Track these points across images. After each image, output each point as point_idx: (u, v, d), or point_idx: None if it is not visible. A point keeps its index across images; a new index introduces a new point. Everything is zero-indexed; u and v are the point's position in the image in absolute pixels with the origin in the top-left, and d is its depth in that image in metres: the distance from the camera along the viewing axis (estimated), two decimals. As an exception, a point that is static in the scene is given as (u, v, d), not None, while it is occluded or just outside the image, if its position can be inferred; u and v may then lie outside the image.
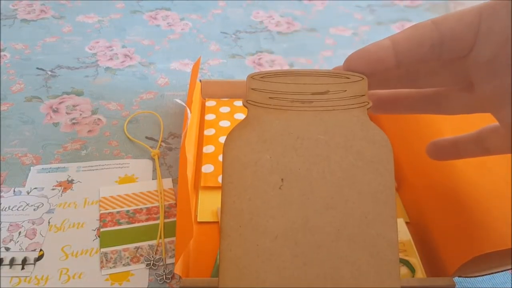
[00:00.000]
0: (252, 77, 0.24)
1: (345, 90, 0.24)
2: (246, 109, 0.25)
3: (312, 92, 0.24)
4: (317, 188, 0.23)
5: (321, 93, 0.24)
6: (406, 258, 0.36)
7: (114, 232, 0.39)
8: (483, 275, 0.33)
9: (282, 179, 0.23)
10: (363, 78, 0.24)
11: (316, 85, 0.24)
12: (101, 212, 0.41)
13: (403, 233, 0.37)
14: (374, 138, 0.24)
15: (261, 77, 0.24)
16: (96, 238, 0.39)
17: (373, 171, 0.23)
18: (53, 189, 0.43)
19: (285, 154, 0.23)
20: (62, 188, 0.43)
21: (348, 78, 0.24)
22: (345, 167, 0.23)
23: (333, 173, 0.23)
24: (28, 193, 0.42)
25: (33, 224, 0.39)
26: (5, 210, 0.41)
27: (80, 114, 0.52)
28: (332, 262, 0.21)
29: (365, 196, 0.22)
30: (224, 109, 0.52)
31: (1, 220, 0.40)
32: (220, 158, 0.45)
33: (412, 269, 0.35)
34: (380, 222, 0.22)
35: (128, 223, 0.40)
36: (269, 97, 0.24)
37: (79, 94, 0.55)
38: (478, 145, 0.29)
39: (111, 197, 0.42)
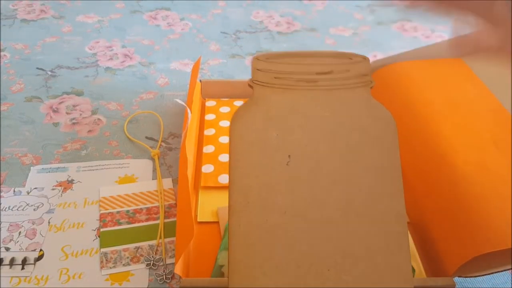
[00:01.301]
0: (257, 58, 0.25)
1: (349, 70, 0.24)
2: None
3: (316, 72, 0.24)
4: (324, 164, 0.23)
5: (325, 73, 0.24)
6: (406, 258, 0.36)
7: (114, 232, 0.39)
8: (483, 275, 0.33)
9: (289, 156, 0.23)
10: (365, 59, 0.24)
11: (320, 65, 0.24)
12: (101, 212, 0.41)
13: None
14: (378, 115, 0.24)
15: (266, 58, 0.25)
16: (96, 238, 0.39)
17: (378, 147, 0.23)
18: (53, 189, 0.43)
19: (291, 131, 0.23)
20: (62, 188, 0.43)
21: (351, 58, 0.24)
22: (350, 144, 0.23)
23: (339, 149, 0.23)
24: (28, 193, 0.42)
25: (33, 224, 0.39)
26: (5, 210, 0.41)
27: (80, 114, 0.52)
28: (341, 236, 0.22)
29: (371, 171, 0.23)
30: (224, 109, 0.52)
31: (1, 220, 0.40)
32: (220, 158, 0.45)
33: (412, 269, 0.35)
34: (387, 196, 0.22)
35: (128, 223, 0.40)
36: (275, 77, 0.24)
37: (79, 94, 0.55)
38: None
39: (111, 197, 0.42)
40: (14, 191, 0.43)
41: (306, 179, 0.22)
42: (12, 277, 0.35)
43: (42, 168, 0.45)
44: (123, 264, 0.36)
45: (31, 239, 0.38)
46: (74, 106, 0.54)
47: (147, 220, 0.40)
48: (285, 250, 0.21)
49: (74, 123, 0.51)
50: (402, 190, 0.22)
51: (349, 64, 0.24)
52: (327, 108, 0.24)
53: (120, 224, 0.40)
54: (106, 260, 0.37)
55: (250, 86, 0.24)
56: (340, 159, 0.23)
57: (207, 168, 0.44)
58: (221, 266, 0.35)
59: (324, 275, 0.21)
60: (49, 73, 0.59)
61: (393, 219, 0.22)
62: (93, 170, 0.45)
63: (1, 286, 0.35)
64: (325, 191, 0.22)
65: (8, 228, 0.39)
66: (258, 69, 0.24)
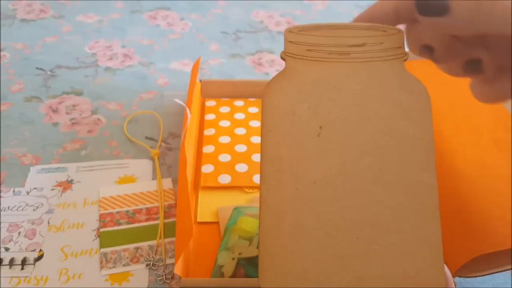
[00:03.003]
0: (289, 30, 0.25)
1: (382, 43, 0.24)
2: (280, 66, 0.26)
3: (349, 45, 0.24)
4: (354, 135, 0.23)
5: (358, 45, 0.24)
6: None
7: (113, 232, 0.39)
8: (483, 275, 0.33)
9: (320, 127, 0.23)
10: (399, 31, 0.24)
11: (353, 37, 0.24)
12: (101, 212, 0.41)
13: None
14: (411, 88, 0.24)
15: (299, 31, 0.25)
16: (96, 238, 0.39)
17: (411, 119, 0.23)
18: (52, 189, 0.43)
19: (322, 103, 0.24)
20: (62, 188, 0.43)
21: (385, 31, 0.25)
22: (382, 115, 0.23)
23: (370, 121, 0.23)
24: (27, 193, 0.42)
25: (33, 224, 0.39)
26: (4, 210, 0.41)
27: (80, 114, 0.52)
28: (371, 206, 0.22)
29: (403, 142, 0.23)
30: (224, 109, 0.52)
31: (1, 220, 0.40)
32: (220, 158, 0.45)
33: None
34: (418, 168, 0.22)
35: (128, 223, 0.40)
36: (307, 49, 0.25)
37: (78, 94, 0.55)
38: None
39: (111, 197, 0.42)
40: (13, 191, 0.42)
41: (336, 150, 0.23)
42: (11, 277, 0.35)
43: (42, 168, 0.45)
44: (123, 265, 0.36)
45: (30, 239, 0.38)
46: (73, 106, 0.53)
47: (147, 220, 0.40)
48: (314, 219, 0.22)
49: (73, 123, 0.51)
50: (434, 163, 0.23)
51: (383, 36, 0.24)
52: (359, 81, 0.24)
53: (120, 224, 0.40)
54: (106, 260, 0.37)
55: (282, 58, 0.25)
56: (370, 130, 0.23)
57: (207, 168, 0.44)
58: (221, 266, 0.35)
59: (352, 243, 0.21)
60: (49, 73, 0.59)
61: (424, 191, 0.22)
62: (93, 170, 0.45)
63: (1, 286, 0.35)
64: (355, 162, 0.23)
65: (8, 228, 0.39)
66: (290, 41, 0.25)
